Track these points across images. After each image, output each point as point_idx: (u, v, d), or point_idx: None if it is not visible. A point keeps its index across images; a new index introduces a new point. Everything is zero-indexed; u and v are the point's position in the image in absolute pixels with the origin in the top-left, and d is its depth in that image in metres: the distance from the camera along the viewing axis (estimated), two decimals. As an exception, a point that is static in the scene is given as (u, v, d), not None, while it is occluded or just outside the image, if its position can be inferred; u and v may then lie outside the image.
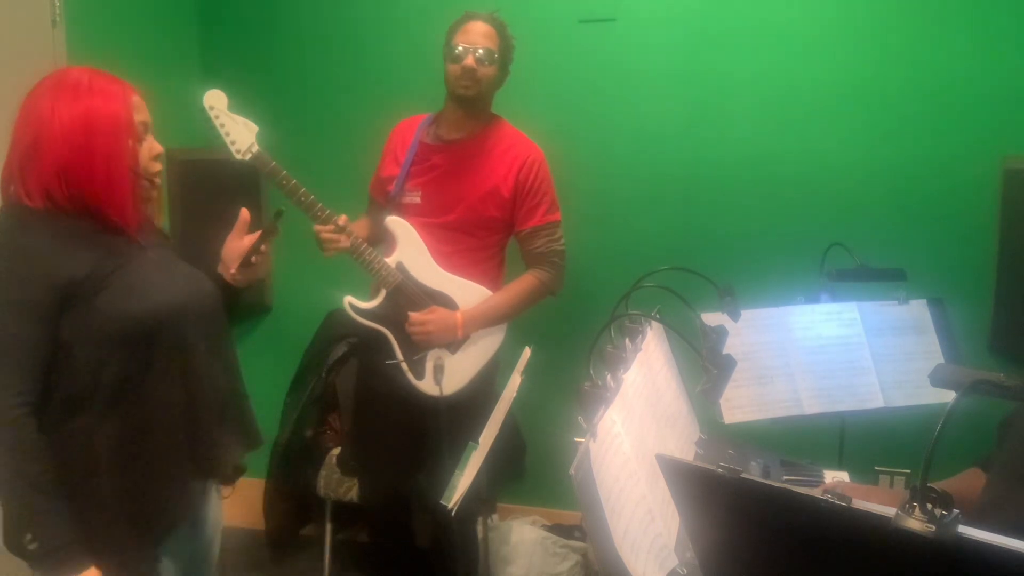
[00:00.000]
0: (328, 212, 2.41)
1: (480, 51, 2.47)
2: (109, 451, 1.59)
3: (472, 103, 2.53)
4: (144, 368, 1.61)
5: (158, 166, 1.70)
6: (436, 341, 2.51)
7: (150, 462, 1.63)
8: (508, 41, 2.55)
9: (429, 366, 2.51)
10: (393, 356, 2.53)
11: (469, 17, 2.53)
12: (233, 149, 2.29)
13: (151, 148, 1.68)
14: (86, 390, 1.57)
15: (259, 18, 3.40)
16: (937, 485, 0.92)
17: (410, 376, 2.53)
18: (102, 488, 1.59)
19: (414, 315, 2.50)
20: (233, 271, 1.84)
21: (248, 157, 2.30)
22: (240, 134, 2.28)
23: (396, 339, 2.53)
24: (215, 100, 2.27)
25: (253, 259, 1.85)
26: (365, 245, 2.48)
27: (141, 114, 1.66)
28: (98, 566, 1.55)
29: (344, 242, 2.43)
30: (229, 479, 1.85)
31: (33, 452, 1.52)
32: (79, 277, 1.54)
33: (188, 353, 1.67)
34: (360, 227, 2.65)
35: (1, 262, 1.54)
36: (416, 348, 2.53)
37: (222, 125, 2.27)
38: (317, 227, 2.43)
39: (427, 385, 2.52)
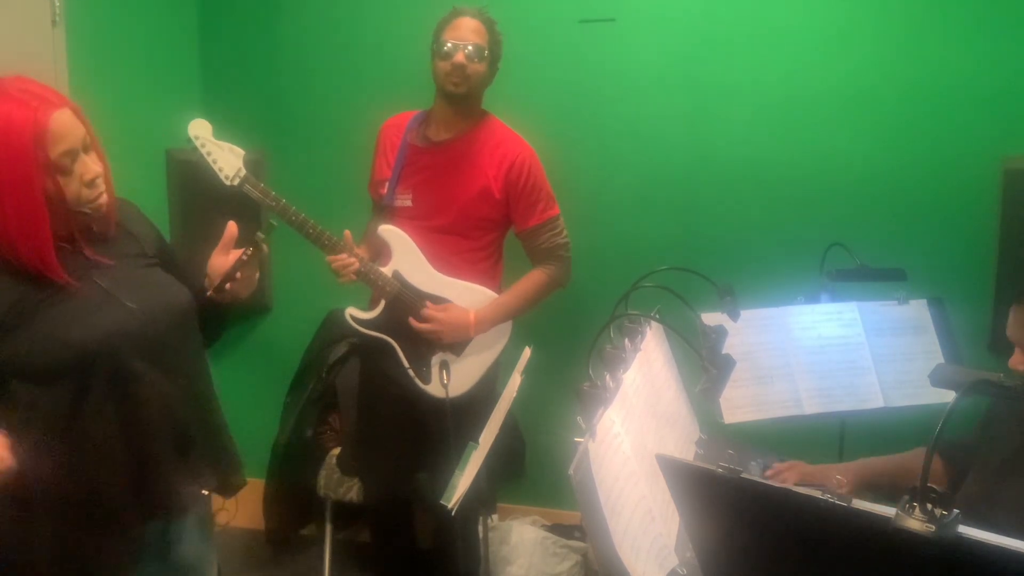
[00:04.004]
0: (320, 229, 2.41)
1: (470, 47, 2.44)
2: (42, 492, 1.47)
3: (462, 100, 2.50)
4: (75, 405, 1.49)
5: (95, 191, 1.52)
6: (447, 339, 2.51)
7: (87, 505, 1.51)
8: (497, 37, 2.53)
9: (435, 370, 2.51)
10: (399, 365, 2.53)
11: (458, 13, 2.49)
12: (221, 176, 2.31)
13: (83, 174, 1.49)
14: (21, 425, 1.45)
15: (258, 18, 3.40)
16: (880, 460, 0.93)
17: (417, 381, 2.53)
18: (36, 532, 1.47)
19: (427, 311, 2.49)
20: (214, 289, 1.71)
21: (237, 183, 2.32)
22: (227, 160, 2.30)
23: (400, 348, 2.53)
24: (200, 129, 2.29)
25: (237, 275, 1.69)
26: (361, 256, 2.47)
27: (64, 143, 1.45)
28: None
29: (356, 264, 2.43)
30: (227, 491, 1.75)
31: None
32: (2, 310, 1.44)
33: (132, 385, 1.54)
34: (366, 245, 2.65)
35: None
36: (421, 354, 2.53)
37: (208, 153, 2.30)
38: (330, 258, 2.43)
39: (434, 388, 2.52)
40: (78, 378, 1.48)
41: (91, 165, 1.51)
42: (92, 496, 1.51)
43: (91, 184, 1.51)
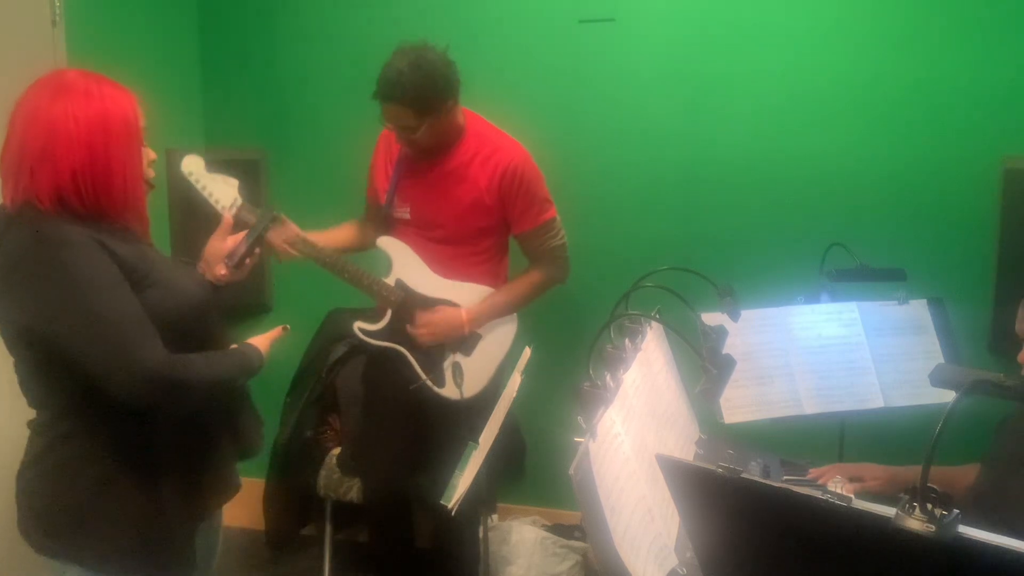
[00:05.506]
0: (315, 241, 2.41)
1: (399, 128, 2.42)
2: (164, 436, 1.64)
3: (426, 152, 2.50)
4: None
5: (152, 172, 1.71)
6: (444, 339, 2.51)
7: (204, 450, 1.72)
8: (429, 95, 2.36)
9: (448, 372, 2.51)
10: (411, 373, 2.53)
11: (381, 96, 2.38)
12: (219, 207, 2.32)
13: (147, 154, 1.69)
14: None
15: (258, 18, 3.40)
16: (935, 470, 0.93)
17: (432, 386, 2.53)
18: (158, 469, 1.63)
19: (419, 317, 2.49)
20: (222, 272, 1.85)
21: (234, 212, 2.32)
22: (222, 192, 2.32)
23: (412, 355, 2.53)
24: (192, 165, 2.32)
25: (256, 250, 1.88)
26: (361, 270, 2.48)
27: (143, 120, 1.66)
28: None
29: (292, 252, 2.41)
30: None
31: (198, 361, 1.62)
32: (130, 264, 1.56)
33: (215, 343, 1.74)
34: (342, 233, 2.65)
35: (64, 254, 1.50)
36: (432, 358, 2.53)
37: (204, 188, 2.32)
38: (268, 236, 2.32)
39: (449, 391, 2.52)
40: (182, 339, 1.62)
41: (149, 149, 1.69)
42: (207, 442, 1.73)
43: (151, 165, 1.70)
